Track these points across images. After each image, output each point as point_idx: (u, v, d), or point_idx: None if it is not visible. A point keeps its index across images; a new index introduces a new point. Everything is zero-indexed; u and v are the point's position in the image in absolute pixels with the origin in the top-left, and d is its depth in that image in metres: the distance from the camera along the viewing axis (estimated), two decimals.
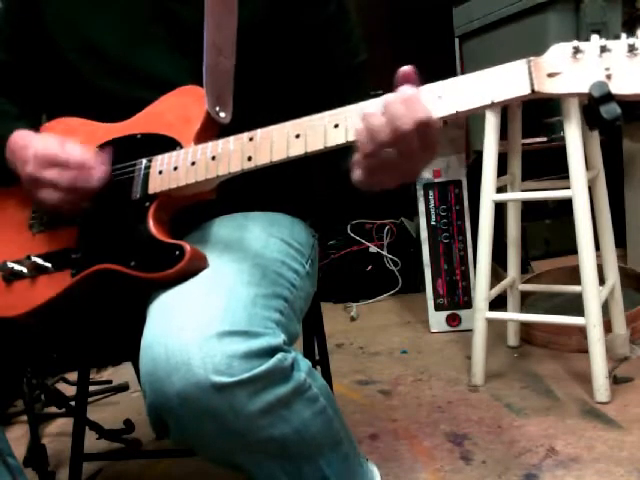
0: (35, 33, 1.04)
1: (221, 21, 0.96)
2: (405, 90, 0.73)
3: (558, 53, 0.69)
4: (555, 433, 1.51)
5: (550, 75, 0.69)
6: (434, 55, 2.82)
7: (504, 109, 1.86)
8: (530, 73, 0.69)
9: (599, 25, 1.83)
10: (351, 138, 0.76)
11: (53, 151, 0.90)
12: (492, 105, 0.71)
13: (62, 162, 0.89)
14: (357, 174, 0.79)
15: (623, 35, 0.66)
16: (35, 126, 1.00)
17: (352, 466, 0.94)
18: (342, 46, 1.06)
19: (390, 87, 0.75)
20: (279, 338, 0.79)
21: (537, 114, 2.29)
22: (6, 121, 1.00)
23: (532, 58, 0.70)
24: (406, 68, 0.74)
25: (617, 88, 0.66)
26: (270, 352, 0.76)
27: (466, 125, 2.43)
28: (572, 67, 0.68)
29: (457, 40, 2.74)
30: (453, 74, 0.73)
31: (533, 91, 0.69)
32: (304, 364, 0.83)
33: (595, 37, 0.67)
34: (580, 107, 1.58)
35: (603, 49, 0.67)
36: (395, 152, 0.74)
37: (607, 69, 0.66)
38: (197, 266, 0.85)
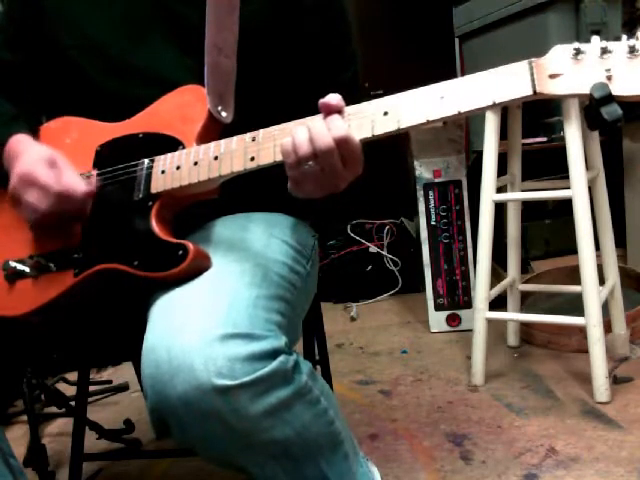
0: (37, 32, 1.04)
1: (222, 21, 0.96)
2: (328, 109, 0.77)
3: (559, 54, 0.70)
4: (555, 433, 1.51)
5: (552, 76, 0.69)
6: (434, 55, 2.83)
7: (504, 109, 1.86)
8: (532, 74, 0.70)
9: (599, 25, 1.84)
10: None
11: (35, 173, 0.89)
12: (494, 106, 0.71)
13: (43, 186, 0.89)
14: (288, 183, 0.82)
15: (624, 37, 0.66)
16: (34, 126, 1.00)
17: (352, 466, 0.94)
18: (341, 49, 1.06)
19: (390, 87, 0.76)
20: (281, 341, 0.79)
21: (537, 114, 2.30)
22: (2, 124, 1.00)
23: (534, 59, 0.70)
24: (326, 100, 0.78)
25: (618, 89, 0.66)
26: (272, 355, 0.76)
27: (466, 125, 2.43)
28: (573, 68, 0.69)
29: (457, 40, 2.74)
30: (453, 74, 0.74)
31: (535, 92, 0.69)
32: (305, 366, 0.83)
33: (596, 38, 0.68)
34: (581, 107, 1.59)
35: (604, 50, 0.67)
36: (317, 167, 0.77)
37: (608, 70, 0.67)
38: (201, 266, 0.85)
